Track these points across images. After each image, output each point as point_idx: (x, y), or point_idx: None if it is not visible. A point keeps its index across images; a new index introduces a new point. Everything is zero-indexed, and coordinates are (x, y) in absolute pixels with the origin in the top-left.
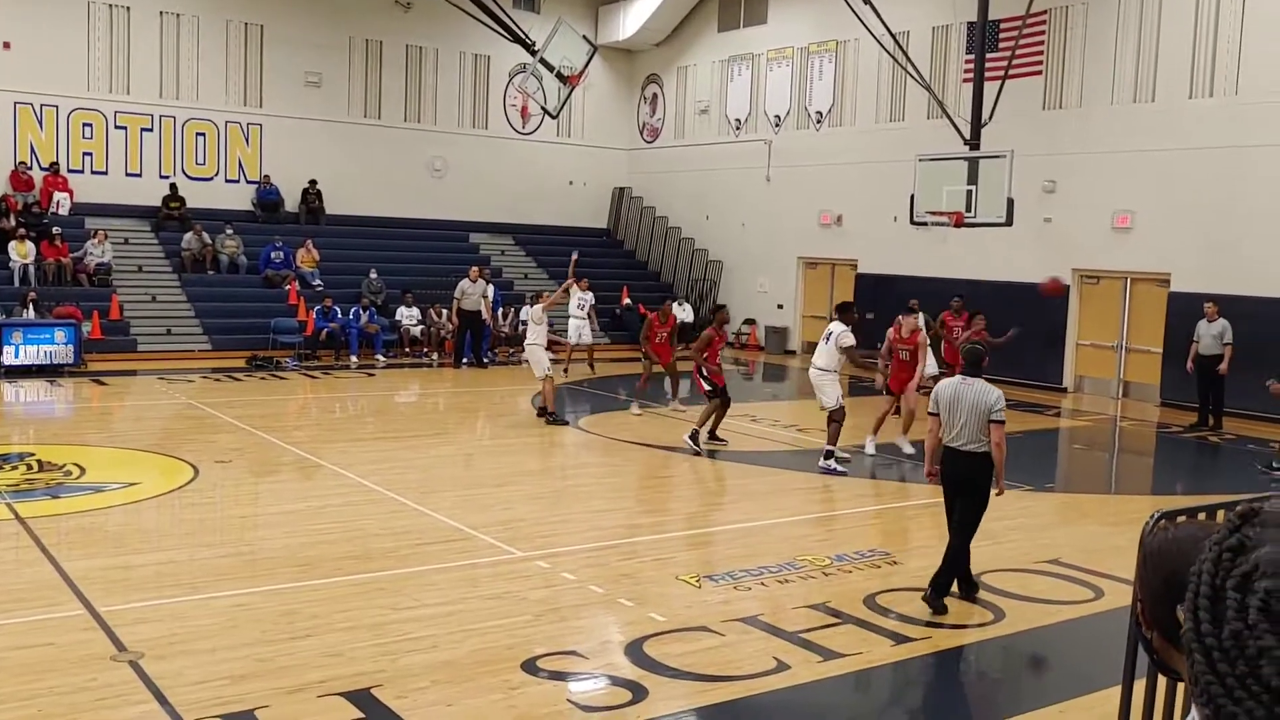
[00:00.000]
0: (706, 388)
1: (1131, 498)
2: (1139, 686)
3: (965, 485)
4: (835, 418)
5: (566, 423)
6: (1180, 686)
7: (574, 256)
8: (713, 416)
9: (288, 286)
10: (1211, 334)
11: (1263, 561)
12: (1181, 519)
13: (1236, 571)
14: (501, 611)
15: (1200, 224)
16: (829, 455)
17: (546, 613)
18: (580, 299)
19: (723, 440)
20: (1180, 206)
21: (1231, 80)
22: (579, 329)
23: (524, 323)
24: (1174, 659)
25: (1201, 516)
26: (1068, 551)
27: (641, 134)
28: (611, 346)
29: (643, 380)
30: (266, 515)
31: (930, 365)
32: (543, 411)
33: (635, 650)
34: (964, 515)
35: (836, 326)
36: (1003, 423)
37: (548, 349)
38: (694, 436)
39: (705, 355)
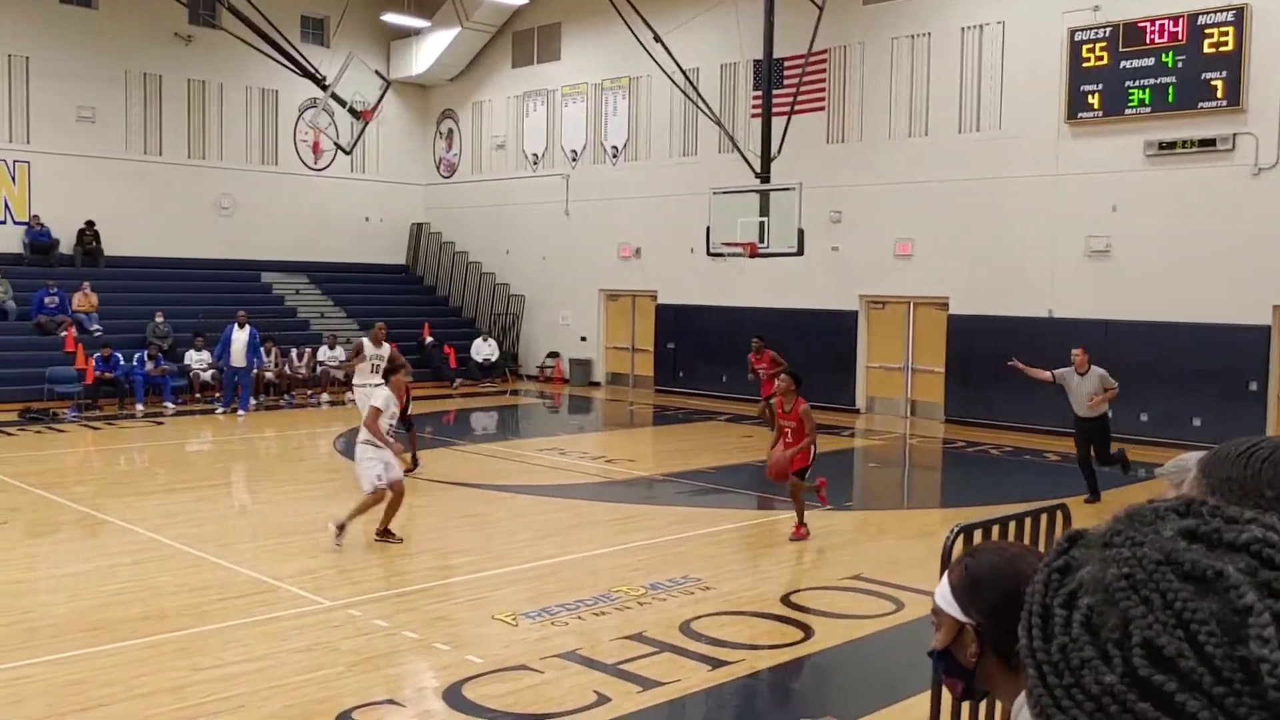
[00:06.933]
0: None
1: (924, 511)
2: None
3: None
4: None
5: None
6: None
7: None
8: None
9: (63, 333)
10: None
11: (1086, 580)
12: (977, 535)
13: (1063, 590)
14: (311, 664)
15: (971, 249)
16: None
17: (359, 663)
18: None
19: None
20: (953, 233)
21: (995, 116)
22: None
23: (321, 363)
24: (996, 680)
25: (995, 530)
26: (868, 567)
27: (438, 169)
28: (413, 385)
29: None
30: (48, 579)
31: None
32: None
33: (454, 694)
34: None
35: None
36: None
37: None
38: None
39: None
